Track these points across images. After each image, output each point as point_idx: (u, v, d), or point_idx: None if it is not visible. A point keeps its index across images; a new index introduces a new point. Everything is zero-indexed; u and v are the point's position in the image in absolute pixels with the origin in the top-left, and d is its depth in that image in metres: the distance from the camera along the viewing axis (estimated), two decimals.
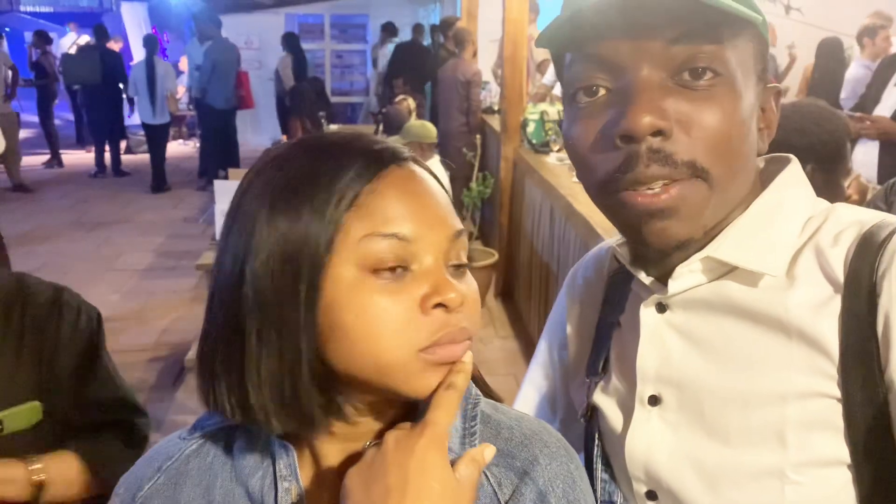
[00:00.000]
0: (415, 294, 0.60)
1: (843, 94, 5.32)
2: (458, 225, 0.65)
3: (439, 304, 0.60)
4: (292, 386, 0.61)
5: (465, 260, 0.65)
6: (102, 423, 1.29)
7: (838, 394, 0.67)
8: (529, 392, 1.03)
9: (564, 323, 0.98)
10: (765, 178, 0.77)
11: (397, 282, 0.60)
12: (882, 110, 3.44)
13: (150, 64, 8.16)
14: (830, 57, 5.88)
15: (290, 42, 8.61)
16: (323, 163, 0.62)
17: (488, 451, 0.62)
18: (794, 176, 0.77)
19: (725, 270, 0.74)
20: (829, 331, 0.67)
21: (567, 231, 3.35)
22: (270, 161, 0.65)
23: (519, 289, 4.72)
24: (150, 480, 0.71)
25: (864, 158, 3.37)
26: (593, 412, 0.87)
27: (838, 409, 0.67)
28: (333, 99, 10.21)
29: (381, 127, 5.80)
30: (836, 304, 0.68)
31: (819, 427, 0.68)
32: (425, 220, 0.62)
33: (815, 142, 1.63)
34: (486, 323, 4.64)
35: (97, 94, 8.78)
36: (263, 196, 0.62)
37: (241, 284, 0.61)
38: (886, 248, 0.66)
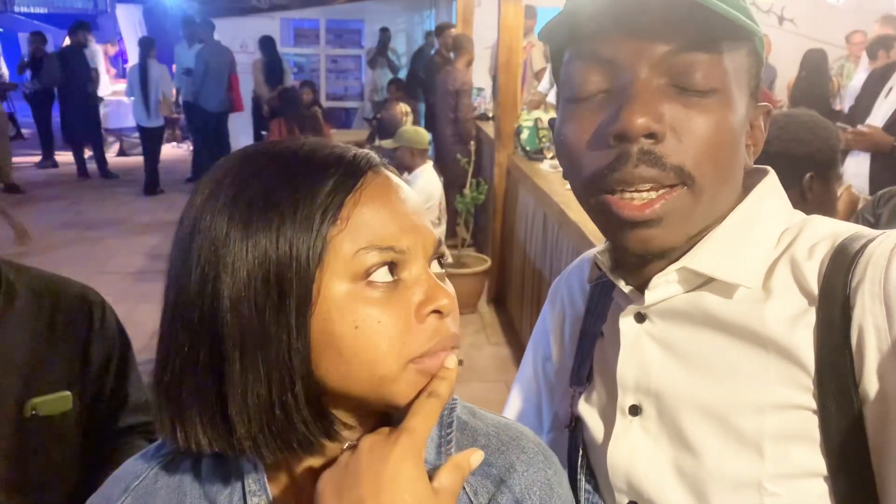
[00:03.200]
0: (409, 302, 0.59)
1: (847, 104, 5.38)
2: (438, 232, 0.65)
3: (434, 311, 0.60)
4: (284, 411, 0.58)
5: (447, 261, 0.66)
6: (133, 425, 1.32)
7: (814, 406, 0.67)
8: (516, 402, 1.03)
9: (549, 333, 0.98)
10: (742, 190, 0.77)
11: (392, 292, 0.59)
12: (873, 121, 3.46)
13: (143, 66, 8.13)
14: (815, 68, 5.90)
15: (264, 45, 8.52)
16: (298, 174, 0.60)
17: (475, 457, 0.61)
18: (770, 187, 0.77)
19: (702, 281, 0.74)
20: (804, 343, 0.68)
21: (560, 238, 3.35)
22: (233, 173, 0.61)
23: (511, 295, 4.72)
24: (117, 501, 0.69)
25: (856, 170, 3.39)
26: (577, 422, 0.86)
27: (814, 420, 0.67)
28: (328, 104, 10.22)
29: (377, 135, 5.79)
30: (811, 316, 0.68)
31: (796, 439, 0.68)
32: (411, 228, 0.61)
33: (813, 150, 1.66)
34: (477, 329, 4.64)
35: (66, 96, 8.73)
36: (233, 211, 0.58)
37: (215, 308, 0.57)
38: (859, 260, 0.66)
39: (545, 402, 0.99)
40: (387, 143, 4.31)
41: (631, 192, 0.68)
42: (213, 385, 0.58)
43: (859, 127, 3.26)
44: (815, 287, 0.69)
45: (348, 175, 0.60)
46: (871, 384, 0.65)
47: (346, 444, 0.62)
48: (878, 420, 0.65)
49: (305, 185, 0.59)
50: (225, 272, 0.57)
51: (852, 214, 2.21)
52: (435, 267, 0.64)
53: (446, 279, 0.65)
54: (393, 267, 0.59)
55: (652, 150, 0.66)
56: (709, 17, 0.64)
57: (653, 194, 0.68)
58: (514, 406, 1.02)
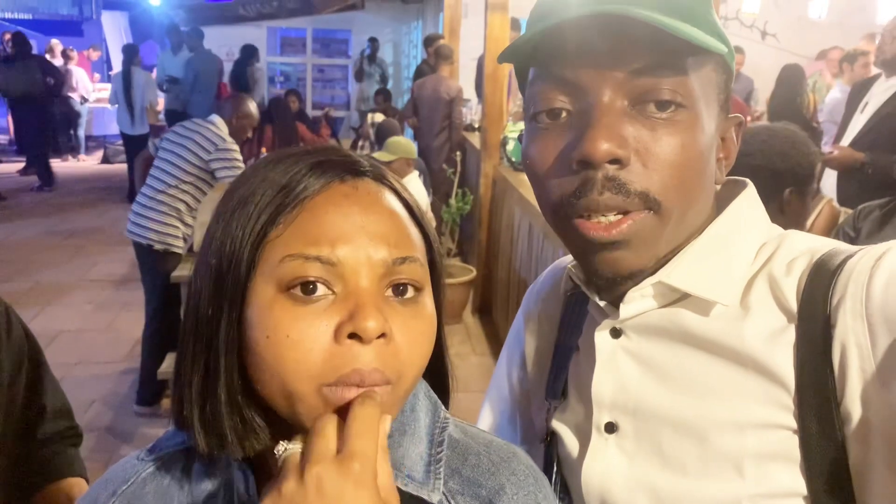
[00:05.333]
0: (332, 320, 0.55)
1: (822, 118, 5.46)
2: (406, 251, 0.59)
3: (354, 335, 0.55)
4: (212, 404, 0.59)
5: (417, 287, 0.60)
6: (58, 432, 1.26)
7: (795, 425, 0.66)
8: (488, 415, 1.00)
9: (522, 343, 0.97)
10: (720, 202, 0.76)
11: (314, 305, 0.56)
12: (851, 136, 3.50)
13: (126, 74, 8.08)
14: (790, 83, 5.95)
15: (243, 52, 8.46)
16: (265, 176, 0.60)
17: (387, 424, 0.56)
18: (749, 200, 0.76)
19: (677, 296, 0.73)
20: (784, 362, 0.66)
21: (545, 248, 3.37)
22: (239, 175, 0.64)
23: (497, 305, 4.73)
24: None
25: (824, 183, 3.44)
26: (552, 437, 0.85)
27: (795, 440, 0.66)
28: (313, 113, 10.21)
29: (359, 141, 5.80)
30: (791, 334, 0.67)
31: (776, 458, 0.67)
32: (359, 242, 0.57)
33: (794, 165, 1.68)
34: (462, 340, 4.64)
35: (35, 106, 8.71)
36: (216, 210, 0.62)
37: (191, 295, 0.61)
38: (839, 277, 0.65)
39: (518, 413, 0.98)
40: (381, 156, 4.18)
41: (597, 216, 0.67)
42: (176, 367, 0.62)
43: (825, 150, 3.30)
44: (794, 304, 0.68)
45: (309, 178, 0.59)
46: (853, 404, 0.63)
47: (284, 448, 0.56)
48: (860, 442, 0.64)
49: (262, 187, 0.59)
50: (199, 266, 0.61)
51: (833, 229, 2.24)
52: (410, 292, 0.59)
53: (420, 305, 0.60)
54: (324, 280, 0.56)
55: (616, 176, 0.65)
56: (671, 38, 0.63)
57: (620, 216, 0.67)
58: (486, 418, 1.00)
